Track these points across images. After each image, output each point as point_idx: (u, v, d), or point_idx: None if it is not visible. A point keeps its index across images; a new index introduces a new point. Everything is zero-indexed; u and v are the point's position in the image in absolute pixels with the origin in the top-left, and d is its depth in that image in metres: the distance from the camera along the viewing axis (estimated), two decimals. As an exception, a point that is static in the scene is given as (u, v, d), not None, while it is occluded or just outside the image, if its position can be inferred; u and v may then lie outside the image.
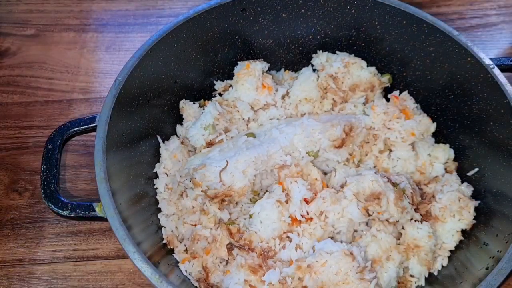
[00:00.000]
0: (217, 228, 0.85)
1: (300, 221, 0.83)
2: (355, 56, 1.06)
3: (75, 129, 0.82)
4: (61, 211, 0.81)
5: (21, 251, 1.02)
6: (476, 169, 0.95)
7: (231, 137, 0.92)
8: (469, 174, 0.96)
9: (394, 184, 0.88)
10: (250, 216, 0.85)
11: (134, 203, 0.84)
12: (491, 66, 0.90)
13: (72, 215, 0.81)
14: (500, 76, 0.88)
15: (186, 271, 0.86)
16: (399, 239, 0.88)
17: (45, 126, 1.14)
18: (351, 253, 0.78)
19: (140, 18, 1.38)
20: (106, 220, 0.77)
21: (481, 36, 1.32)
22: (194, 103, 1.01)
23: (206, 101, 1.01)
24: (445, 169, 0.98)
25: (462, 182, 0.96)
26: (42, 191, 0.82)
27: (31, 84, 1.26)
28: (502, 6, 1.41)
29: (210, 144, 0.93)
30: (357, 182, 0.86)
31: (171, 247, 0.89)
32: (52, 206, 0.81)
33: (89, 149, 1.14)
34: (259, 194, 0.88)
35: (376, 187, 0.85)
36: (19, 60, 1.30)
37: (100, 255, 1.01)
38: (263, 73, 1.00)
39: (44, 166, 0.84)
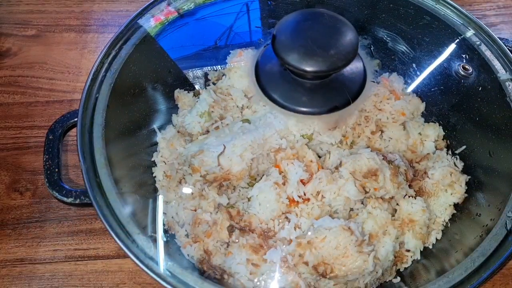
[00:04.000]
0: (217, 212, 0.86)
1: (297, 202, 0.85)
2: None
3: (75, 119, 0.83)
4: (65, 199, 0.82)
5: (22, 250, 1.02)
6: (464, 147, 0.97)
7: (227, 124, 0.94)
8: (457, 152, 0.98)
9: (389, 162, 0.90)
10: (249, 200, 0.86)
11: (134, 192, 0.85)
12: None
13: (76, 201, 0.82)
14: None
15: (188, 254, 0.87)
16: (393, 216, 0.89)
17: (46, 126, 1.14)
18: (349, 228, 0.80)
19: (141, 19, 1.40)
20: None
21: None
22: (188, 92, 1.03)
23: (201, 90, 1.02)
24: (435, 147, 1.00)
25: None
26: (46, 180, 0.83)
27: (32, 85, 1.27)
28: (501, 6, 1.43)
29: (206, 131, 0.94)
30: (353, 160, 0.87)
31: (172, 233, 0.90)
32: (57, 194, 0.82)
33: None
34: (255, 179, 0.89)
35: (373, 164, 0.86)
36: (20, 60, 1.31)
37: (101, 254, 1.02)
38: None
39: (46, 156, 0.85)
